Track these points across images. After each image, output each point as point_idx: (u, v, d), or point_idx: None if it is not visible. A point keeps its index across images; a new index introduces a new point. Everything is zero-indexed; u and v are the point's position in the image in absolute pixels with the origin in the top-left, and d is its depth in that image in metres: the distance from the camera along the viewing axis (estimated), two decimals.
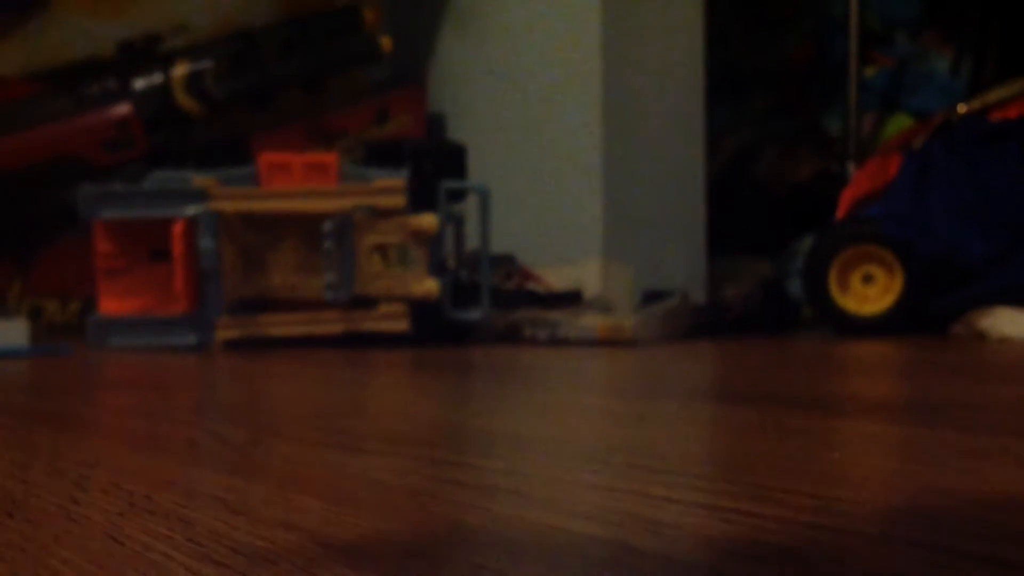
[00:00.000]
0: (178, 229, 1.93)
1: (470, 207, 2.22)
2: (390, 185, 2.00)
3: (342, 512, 0.46)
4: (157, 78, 2.53)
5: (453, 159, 2.15)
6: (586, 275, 2.64)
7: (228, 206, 1.96)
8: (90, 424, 0.86)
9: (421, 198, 2.03)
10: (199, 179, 1.97)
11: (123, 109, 2.50)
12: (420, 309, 2.03)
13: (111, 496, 0.50)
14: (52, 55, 2.53)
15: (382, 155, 2.16)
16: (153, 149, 2.48)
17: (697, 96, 2.83)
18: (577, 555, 0.39)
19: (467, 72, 2.90)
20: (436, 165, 2.09)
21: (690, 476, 0.54)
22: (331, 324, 2.02)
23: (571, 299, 2.42)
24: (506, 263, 2.49)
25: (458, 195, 2.14)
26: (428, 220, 2.01)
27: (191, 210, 1.95)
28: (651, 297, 2.51)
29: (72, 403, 1.03)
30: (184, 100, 2.52)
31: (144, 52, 2.55)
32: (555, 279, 2.55)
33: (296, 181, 2.01)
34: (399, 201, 2.00)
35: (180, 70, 2.53)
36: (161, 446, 0.69)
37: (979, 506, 0.46)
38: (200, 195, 1.96)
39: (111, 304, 2.02)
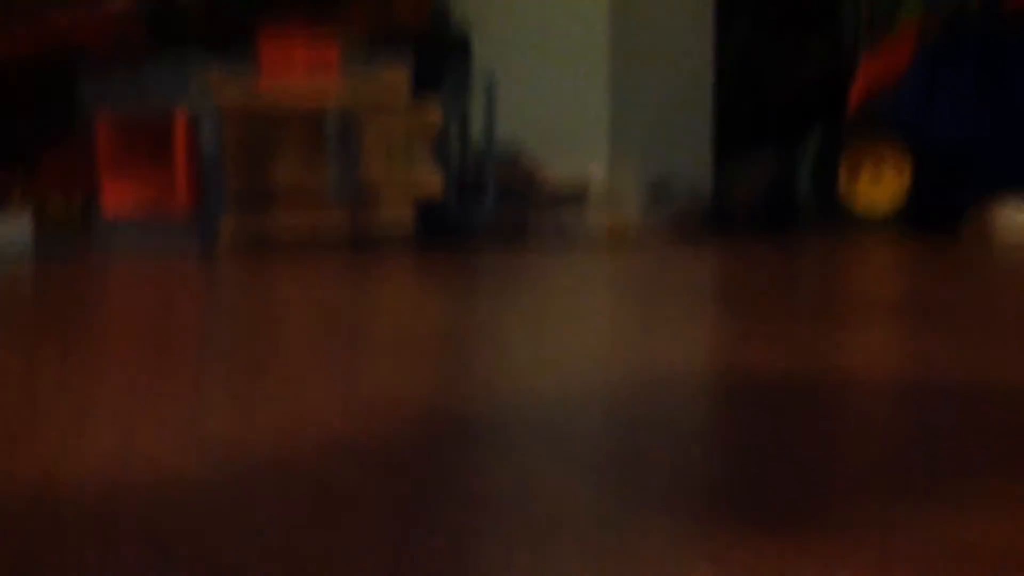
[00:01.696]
0: (180, 124, 1.91)
1: (475, 105, 2.18)
2: (393, 78, 1.97)
3: (354, 416, 0.45)
4: None
5: (458, 49, 2.11)
6: (593, 171, 2.61)
7: (230, 100, 1.93)
8: (97, 331, 0.85)
9: (425, 89, 1.99)
10: (201, 71, 1.94)
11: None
12: (425, 208, 2.01)
13: (119, 408, 0.50)
14: None
15: (386, 44, 2.11)
16: (155, 40, 2.42)
17: None
18: (569, 440, 0.38)
19: None
20: (440, 55, 2.05)
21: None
22: (335, 222, 2.00)
23: (577, 196, 2.39)
24: (513, 160, 2.46)
25: (463, 87, 2.11)
26: (432, 114, 1.98)
27: (192, 104, 1.92)
28: (658, 193, 2.49)
29: (77, 312, 1.02)
30: None
31: None
32: (562, 175, 2.52)
33: (298, 71, 1.98)
34: (402, 94, 1.97)
35: None
36: (170, 352, 0.68)
37: None
38: (202, 87, 1.93)
39: (114, 200, 2.01)
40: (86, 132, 2.03)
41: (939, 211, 2.33)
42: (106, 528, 0.35)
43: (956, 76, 2.27)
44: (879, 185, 2.38)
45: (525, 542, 0.34)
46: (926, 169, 2.31)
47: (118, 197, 2.02)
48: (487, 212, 2.07)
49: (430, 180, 2.01)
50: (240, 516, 0.35)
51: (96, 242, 2.00)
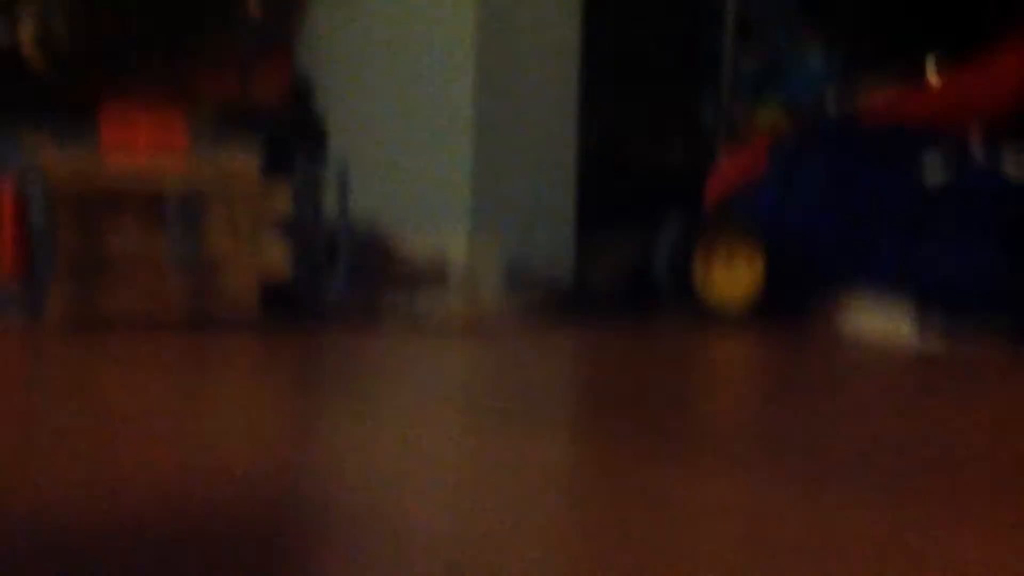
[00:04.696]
0: (7, 193, 1.80)
1: (330, 177, 2.12)
2: (242, 166, 1.90)
3: None
4: (4, 31, 2.37)
5: (311, 127, 2.05)
6: (452, 246, 2.57)
7: (63, 176, 1.83)
8: None
9: (277, 167, 1.93)
10: (31, 138, 1.83)
11: None
12: (272, 287, 1.93)
13: None
14: None
15: (238, 122, 2.05)
16: None
17: (572, 71, 2.78)
18: None
19: (337, 36, 2.80)
20: (294, 132, 1.99)
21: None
22: (175, 303, 1.91)
23: (435, 276, 2.35)
24: (369, 236, 2.40)
25: (316, 169, 2.05)
26: (281, 199, 1.91)
27: (20, 173, 1.81)
28: (517, 278, 2.46)
29: None
30: (33, 55, 2.36)
31: None
32: (420, 249, 2.46)
33: (141, 143, 1.89)
34: (251, 179, 1.90)
35: (29, 23, 2.36)
36: None
37: None
38: (32, 156, 1.82)
39: None
40: None
41: (790, 304, 2.36)
42: None
43: (810, 177, 2.32)
44: (732, 277, 2.40)
45: None
46: (778, 264, 2.34)
47: None
48: (339, 291, 2.01)
49: (277, 259, 1.94)
50: None
51: None
